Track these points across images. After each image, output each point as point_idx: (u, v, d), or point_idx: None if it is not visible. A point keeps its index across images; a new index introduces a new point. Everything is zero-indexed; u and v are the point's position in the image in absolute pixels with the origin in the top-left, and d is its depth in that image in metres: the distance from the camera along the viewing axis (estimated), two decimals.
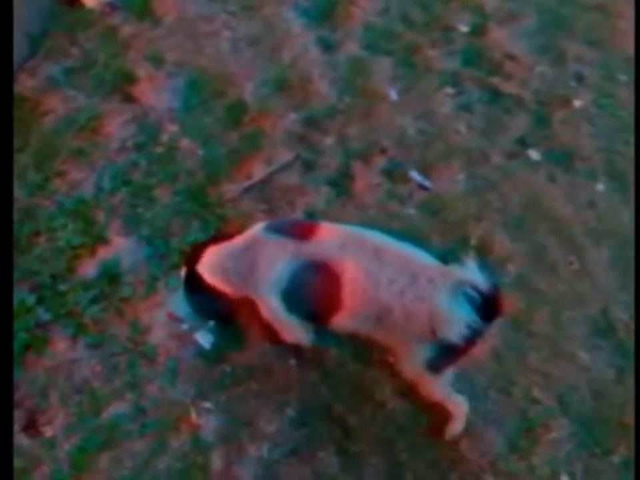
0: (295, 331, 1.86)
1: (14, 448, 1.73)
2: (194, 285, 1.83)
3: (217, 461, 1.83)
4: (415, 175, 2.68)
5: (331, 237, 1.77)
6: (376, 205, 2.54)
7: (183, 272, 1.87)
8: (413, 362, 1.78)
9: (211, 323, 2.08)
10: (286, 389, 1.99)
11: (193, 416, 1.89)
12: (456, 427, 1.92)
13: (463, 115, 2.93)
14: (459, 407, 1.89)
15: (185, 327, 2.08)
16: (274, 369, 2.02)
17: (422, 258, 1.76)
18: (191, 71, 2.80)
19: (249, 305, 1.82)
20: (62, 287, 2.02)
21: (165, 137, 2.54)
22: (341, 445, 1.90)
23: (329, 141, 2.75)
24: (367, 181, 2.63)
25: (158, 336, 2.02)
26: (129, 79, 2.67)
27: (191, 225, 2.30)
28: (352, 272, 1.70)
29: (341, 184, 2.58)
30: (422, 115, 2.91)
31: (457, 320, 1.63)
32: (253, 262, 1.77)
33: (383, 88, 2.97)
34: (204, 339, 2.04)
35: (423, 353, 1.72)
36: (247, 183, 2.50)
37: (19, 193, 2.20)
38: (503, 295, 1.71)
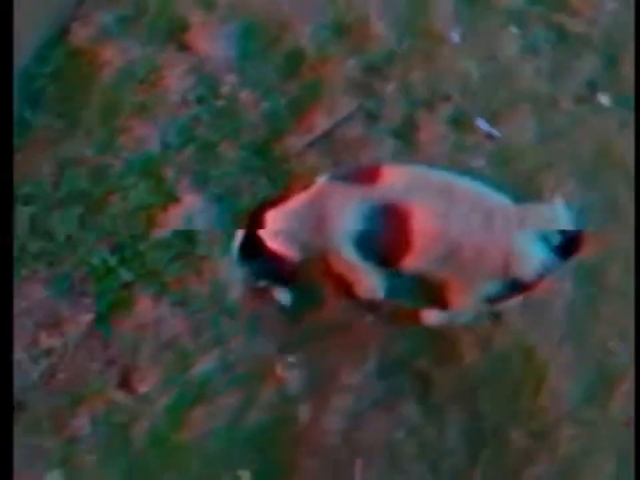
0: (370, 280, 1.85)
1: (109, 405, 1.81)
2: (254, 250, 1.81)
3: (304, 413, 1.89)
4: (482, 123, 2.58)
5: (396, 179, 1.74)
6: (443, 157, 2.47)
7: (239, 236, 1.84)
8: (473, 298, 1.80)
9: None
10: (365, 344, 2.02)
11: (278, 370, 1.95)
12: (441, 318, 1.93)
13: (528, 57, 2.76)
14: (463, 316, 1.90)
15: (262, 284, 2.12)
16: (352, 325, 2.04)
17: (496, 196, 1.74)
18: (245, 16, 2.66)
19: (313, 266, 1.82)
20: (141, 247, 2.02)
21: (224, 89, 2.46)
22: (421, 396, 1.95)
23: (390, 88, 2.65)
24: (433, 132, 2.55)
25: (238, 293, 2.04)
26: (183, 26, 2.53)
27: (259, 181, 2.28)
28: (421, 212, 1.68)
29: (406, 135, 2.50)
30: (486, 58, 2.76)
31: (532, 258, 1.62)
32: (321, 216, 1.74)
33: (444, 29, 2.82)
34: (282, 296, 2.07)
35: (486, 289, 1.73)
36: (310, 137, 2.44)
37: (87, 151, 2.16)
38: (585, 235, 1.67)
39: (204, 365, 1.91)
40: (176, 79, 2.44)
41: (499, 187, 1.80)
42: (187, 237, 2.09)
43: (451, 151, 2.48)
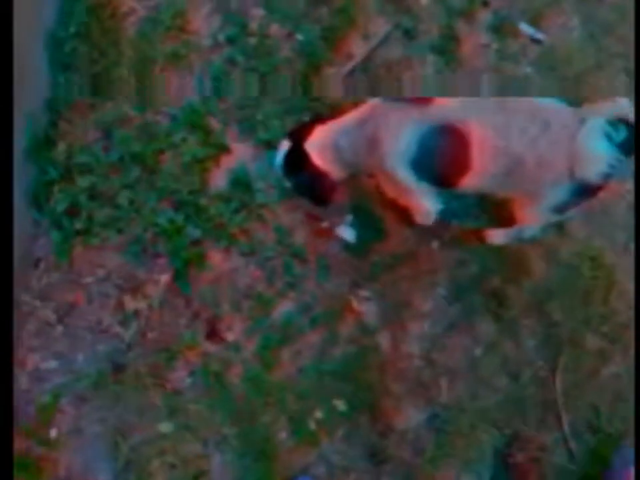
0: (426, 202, 1.85)
1: (203, 356, 1.89)
2: (297, 163, 1.79)
3: (384, 341, 1.97)
4: (524, 27, 2.42)
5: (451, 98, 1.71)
6: (489, 68, 2.35)
7: (284, 148, 1.82)
8: (541, 209, 1.78)
9: (349, 218, 2.12)
10: (434, 270, 2.05)
11: (354, 304, 2.01)
12: (506, 235, 1.96)
13: None
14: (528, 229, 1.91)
15: (324, 224, 2.13)
16: (418, 253, 2.06)
17: (552, 104, 1.69)
18: None
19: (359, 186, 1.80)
20: (203, 202, 2.02)
21: (254, 25, 2.32)
22: (495, 312, 2.00)
23: (425, 1, 2.51)
24: (474, 42, 2.40)
25: (302, 236, 2.07)
26: None
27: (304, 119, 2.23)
28: (479, 129, 1.65)
29: (447, 49, 2.36)
30: None
31: (597, 158, 1.59)
32: (373, 136, 1.71)
33: None
34: (347, 233, 2.08)
35: (554, 197, 1.72)
36: (349, 65, 2.33)
37: (129, 110, 2.09)
38: None
39: (283, 308, 1.97)
40: (202, 21, 2.31)
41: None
42: (245, 186, 2.09)
43: (496, 60, 2.36)
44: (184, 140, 2.09)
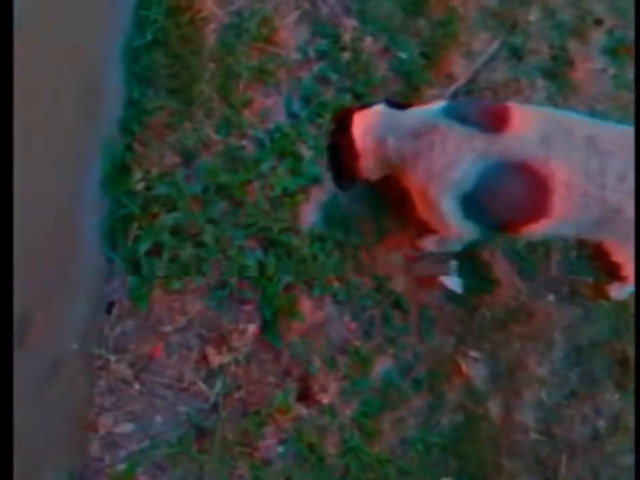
0: (463, 235, 1.59)
1: (295, 421, 1.61)
2: (342, 130, 1.54)
3: (495, 409, 1.69)
4: None
5: (528, 125, 1.40)
6: (605, 96, 2.06)
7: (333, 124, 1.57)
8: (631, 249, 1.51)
9: (456, 265, 1.85)
10: (550, 328, 1.78)
11: (463, 366, 1.73)
12: (628, 289, 1.71)
13: None
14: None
15: (427, 270, 1.86)
16: (533, 307, 1.78)
17: None
18: None
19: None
20: (295, 242, 1.73)
21: (346, 37, 1.99)
22: (619, 381, 1.73)
23: (532, 16, 2.17)
24: (589, 66, 2.09)
25: (402, 283, 1.78)
26: None
27: None
28: (564, 172, 1.36)
29: (559, 73, 2.05)
30: None
31: None
32: (426, 150, 1.43)
33: None
34: (454, 283, 1.79)
35: None
36: (451, 88, 2.03)
37: (214, 134, 1.79)
38: None
39: (382, 366, 1.69)
40: (290, 31, 1.98)
41: None
42: (338, 223, 1.82)
43: (613, 88, 2.05)
44: (273, 169, 1.80)
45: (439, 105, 1.50)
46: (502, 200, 1.43)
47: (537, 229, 1.46)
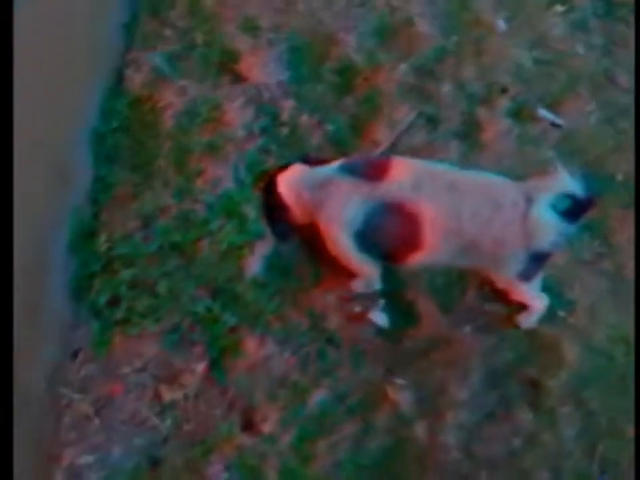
0: (364, 265, 1.84)
1: (239, 449, 1.78)
2: (270, 191, 1.81)
3: (421, 432, 1.84)
4: (543, 112, 2.41)
5: (403, 174, 1.69)
6: (511, 152, 2.33)
7: (265, 181, 1.84)
8: (505, 277, 1.78)
9: (382, 302, 2.05)
10: (468, 356, 1.96)
11: (390, 393, 1.90)
12: (534, 319, 1.92)
13: (578, 34, 2.59)
14: (542, 303, 1.89)
15: (357, 308, 2.06)
16: (452, 338, 1.97)
17: (501, 182, 1.71)
18: (290, 35, 2.52)
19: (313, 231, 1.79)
20: (239, 289, 1.97)
21: (285, 115, 2.34)
22: (532, 402, 1.88)
23: (445, 88, 2.49)
24: (496, 128, 2.40)
25: (335, 321, 1.99)
26: (233, 55, 2.41)
27: None
28: (430, 210, 1.63)
29: (470, 135, 2.36)
30: (535, 42, 2.59)
31: (548, 230, 1.61)
32: (326, 198, 1.71)
33: (489, 18, 2.65)
34: (380, 318, 2.00)
35: (514, 267, 1.71)
36: (376, 152, 2.35)
37: (169, 200, 2.08)
38: (595, 198, 1.68)
39: (318, 397, 1.86)
40: (237, 113, 2.33)
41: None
42: (279, 272, 2.05)
43: (518, 145, 2.35)
44: (220, 228, 2.07)
45: (338, 162, 1.80)
46: (384, 234, 1.72)
47: (418, 259, 1.72)
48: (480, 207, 1.64)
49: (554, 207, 1.61)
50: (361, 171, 1.72)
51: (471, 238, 1.65)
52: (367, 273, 1.90)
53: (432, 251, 1.68)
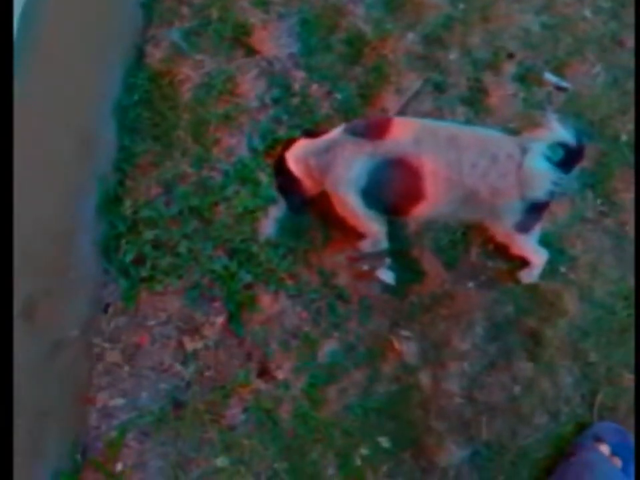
0: (372, 223, 1.92)
1: (255, 394, 1.91)
2: (280, 169, 1.91)
3: (425, 380, 1.94)
4: (549, 76, 2.43)
5: (404, 132, 1.75)
6: (517, 116, 2.35)
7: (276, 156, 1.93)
8: (503, 228, 1.84)
9: (388, 261, 2.13)
10: (471, 310, 2.04)
11: (395, 344, 2.01)
12: (534, 274, 1.98)
13: None
14: (542, 258, 1.94)
15: (365, 267, 2.15)
16: (455, 293, 2.04)
17: (497, 136, 1.77)
18: (300, 9, 2.58)
19: (324, 200, 1.87)
20: (254, 249, 2.07)
21: (296, 86, 2.41)
22: (532, 352, 1.95)
23: (452, 55, 2.52)
24: (502, 92, 2.42)
25: (345, 278, 2.09)
26: (245, 30, 2.48)
27: None
28: (431, 164, 1.70)
29: (476, 101, 2.39)
30: (542, 7, 2.58)
31: (543, 179, 1.65)
32: (332, 160, 1.79)
33: None
34: (386, 275, 2.09)
35: (511, 218, 1.77)
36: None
37: (188, 168, 2.19)
38: (585, 146, 1.70)
39: (328, 347, 1.97)
40: (250, 85, 2.41)
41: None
42: (292, 233, 2.14)
43: (523, 108, 2.37)
44: (236, 193, 2.17)
45: (340, 127, 1.87)
46: (389, 189, 1.80)
47: (421, 210, 1.80)
48: (477, 159, 1.70)
49: (547, 156, 1.66)
50: (363, 131, 1.80)
51: (469, 189, 1.72)
52: (374, 231, 1.98)
53: (434, 201, 1.76)
